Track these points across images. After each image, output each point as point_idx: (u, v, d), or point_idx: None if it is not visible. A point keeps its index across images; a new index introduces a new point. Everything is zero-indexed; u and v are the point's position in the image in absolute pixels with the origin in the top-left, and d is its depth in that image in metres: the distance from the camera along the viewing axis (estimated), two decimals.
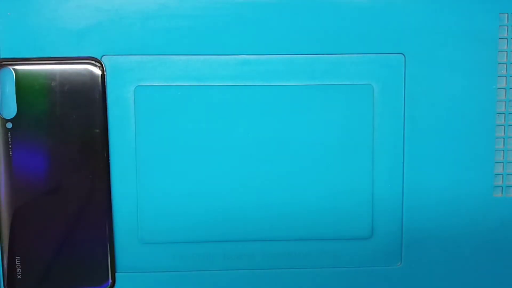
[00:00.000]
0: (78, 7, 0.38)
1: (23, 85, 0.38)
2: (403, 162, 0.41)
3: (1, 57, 0.38)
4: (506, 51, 0.40)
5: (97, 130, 0.39)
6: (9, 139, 0.38)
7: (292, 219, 0.41)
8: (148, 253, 0.41)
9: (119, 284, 0.41)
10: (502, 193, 0.41)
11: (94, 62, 0.38)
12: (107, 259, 0.40)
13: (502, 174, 0.41)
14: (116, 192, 0.40)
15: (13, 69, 0.38)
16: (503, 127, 0.41)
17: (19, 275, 0.39)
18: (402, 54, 0.40)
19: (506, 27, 0.40)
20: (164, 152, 0.40)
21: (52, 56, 0.38)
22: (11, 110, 0.38)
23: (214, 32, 0.39)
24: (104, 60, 0.39)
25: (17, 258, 0.39)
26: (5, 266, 0.39)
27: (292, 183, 0.40)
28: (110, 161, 0.39)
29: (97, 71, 0.38)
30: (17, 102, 0.38)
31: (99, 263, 0.40)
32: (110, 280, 0.40)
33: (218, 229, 0.41)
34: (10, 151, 0.38)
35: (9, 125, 0.38)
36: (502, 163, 0.41)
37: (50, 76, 0.38)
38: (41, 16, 0.38)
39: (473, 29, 0.40)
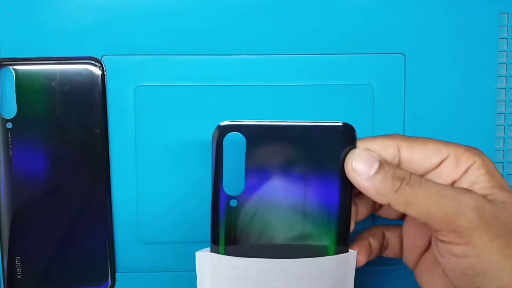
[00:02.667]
0: (78, 7, 0.38)
1: (23, 85, 0.38)
2: None
3: (1, 57, 0.38)
4: (506, 51, 0.40)
5: (97, 130, 0.39)
6: (9, 139, 0.38)
7: None
8: (148, 253, 0.41)
9: (119, 284, 0.41)
10: None
11: (94, 62, 0.38)
12: (107, 259, 0.40)
13: (502, 174, 0.41)
14: (116, 192, 0.40)
15: (13, 69, 0.38)
16: (503, 127, 0.41)
17: (19, 275, 0.39)
18: (402, 54, 0.40)
19: (506, 27, 0.40)
20: (164, 152, 0.39)
21: (52, 56, 0.38)
22: (11, 110, 0.38)
23: (214, 32, 0.39)
24: (104, 60, 0.39)
25: (17, 258, 0.39)
26: (5, 266, 0.39)
27: None
28: (110, 161, 0.39)
29: (97, 71, 0.38)
30: (17, 102, 0.38)
31: (99, 263, 0.40)
32: (110, 280, 0.40)
33: None
34: (10, 151, 0.38)
35: (9, 125, 0.38)
36: (502, 163, 0.41)
37: (50, 76, 0.38)
38: (41, 16, 0.38)
39: (473, 29, 0.40)
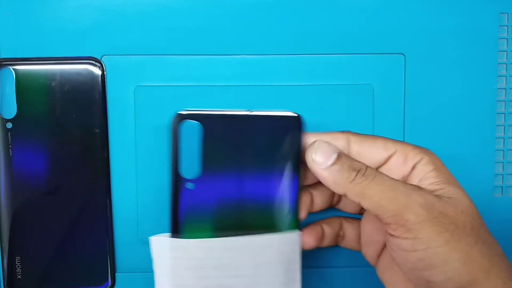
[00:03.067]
0: (78, 7, 0.38)
1: (23, 85, 0.38)
2: None
3: (1, 57, 0.38)
4: (506, 51, 0.40)
5: (97, 130, 0.39)
6: (9, 139, 0.38)
7: None
8: (148, 253, 0.41)
9: (119, 284, 0.41)
10: (502, 193, 0.41)
11: (94, 62, 0.38)
12: (107, 259, 0.40)
13: (502, 174, 0.41)
14: (116, 192, 0.40)
15: (13, 69, 0.38)
16: (503, 127, 0.41)
17: (19, 275, 0.39)
18: (402, 54, 0.40)
19: (506, 27, 0.40)
20: (164, 152, 0.39)
21: (52, 56, 0.38)
22: (11, 110, 0.38)
23: (214, 32, 0.39)
24: (104, 60, 0.39)
25: (17, 258, 0.39)
26: (5, 266, 0.39)
27: None
28: (110, 161, 0.39)
29: (97, 71, 0.38)
30: (17, 102, 0.38)
31: (99, 263, 0.40)
32: (110, 280, 0.40)
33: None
34: (10, 151, 0.38)
35: (9, 125, 0.38)
36: (502, 163, 0.41)
37: (50, 76, 0.38)
38: (41, 16, 0.38)
39: (473, 29, 0.40)
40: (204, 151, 0.34)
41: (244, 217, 0.35)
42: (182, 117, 0.34)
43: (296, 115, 0.34)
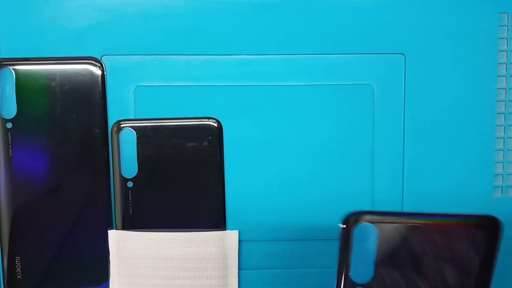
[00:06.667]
0: (78, 7, 0.38)
1: (23, 85, 0.38)
2: (403, 162, 0.41)
3: (1, 57, 0.38)
4: (506, 51, 0.40)
5: (97, 130, 0.39)
6: (9, 139, 0.38)
7: (291, 219, 0.41)
8: None
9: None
10: (502, 193, 0.41)
11: (94, 62, 0.38)
12: (107, 259, 0.40)
13: (502, 174, 0.41)
14: None
15: (13, 69, 0.38)
16: (503, 127, 0.41)
17: (19, 275, 0.39)
18: (402, 54, 0.40)
19: (506, 27, 0.40)
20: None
21: (52, 56, 0.38)
22: (11, 110, 0.38)
23: (214, 32, 0.39)
24: (104, 60, 0.39)
25: (17, 258, 0.39)
26: (5, 266, 0.39)
27: (291, 182, 0.40)
28: (110, 161, 0.39)
29: (97, 71, 0.38)
30: (17, 102, 0.38)
31: (99, 263, 0.40)
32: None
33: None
34: (10, 151, 0.38)
35: (9, 125, 0.38)
36: (502, 163, 0.41)
37: (50, 76, 0.38)
38: (41, 16, 0.38)
39: (473, 29, 0.40)
40: (139, 154, 0.38)
41: (180, 212, 0.39)
42: (119, 125, 0.38)
43: (212, 121, 0.38)
